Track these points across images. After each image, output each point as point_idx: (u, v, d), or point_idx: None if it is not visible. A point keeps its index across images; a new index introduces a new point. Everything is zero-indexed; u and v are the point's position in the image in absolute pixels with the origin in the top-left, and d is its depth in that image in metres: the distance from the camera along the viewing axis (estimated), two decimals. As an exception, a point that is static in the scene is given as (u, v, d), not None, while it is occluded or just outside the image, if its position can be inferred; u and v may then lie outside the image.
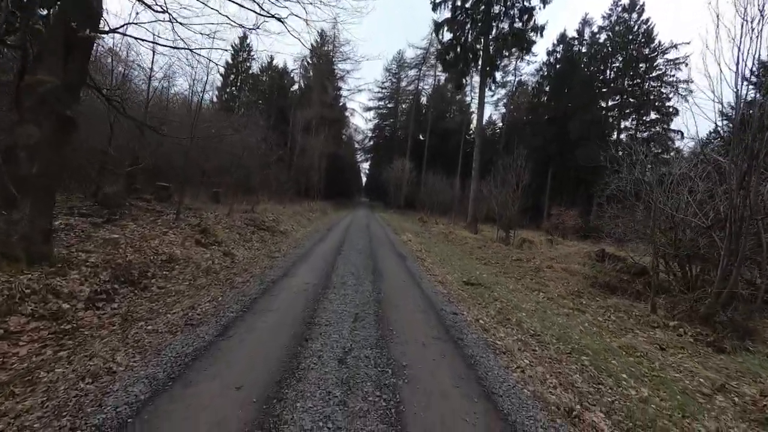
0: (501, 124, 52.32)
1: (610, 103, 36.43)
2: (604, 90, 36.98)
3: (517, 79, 43.23)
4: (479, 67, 21.38)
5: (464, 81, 21.84)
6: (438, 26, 20.73)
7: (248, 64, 44.21)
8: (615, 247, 12.83)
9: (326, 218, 22.54)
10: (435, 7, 20.68)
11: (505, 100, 48.82)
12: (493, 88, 26.16)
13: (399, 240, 13.51)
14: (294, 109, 37.03)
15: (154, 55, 12.68)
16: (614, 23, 35.85)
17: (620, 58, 35.97)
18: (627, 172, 10.22)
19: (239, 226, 11.79)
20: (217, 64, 11.48)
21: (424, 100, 49.13)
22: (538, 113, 42.22)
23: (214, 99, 42.18)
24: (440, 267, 8.97)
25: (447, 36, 21.02)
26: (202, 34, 6.56)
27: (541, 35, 19.59)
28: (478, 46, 20.61)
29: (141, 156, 13.88)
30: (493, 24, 20.08)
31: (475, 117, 50.57)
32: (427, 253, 11.17)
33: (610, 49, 36.18)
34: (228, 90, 44.33)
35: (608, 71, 37.22)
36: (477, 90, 47.00)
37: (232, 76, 44.22)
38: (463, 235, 17.32)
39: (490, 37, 20.03)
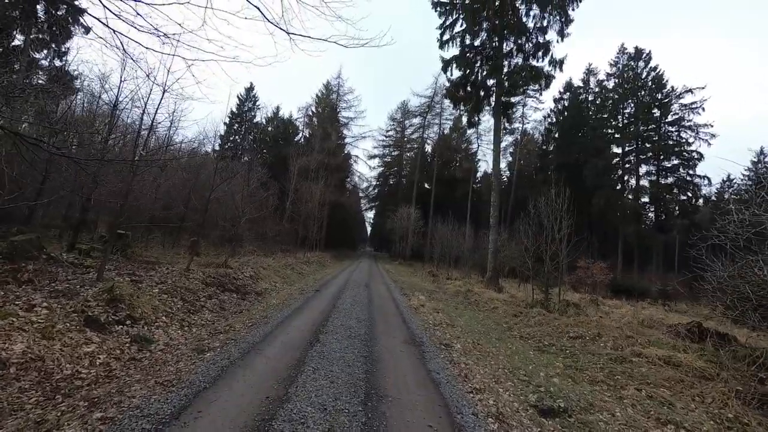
0: (508, 172, 50.41)
1: (627, 148, 34.14)
2: (617, 136, 34.94)
3: (523, 127, 41.73)
4: (492, 104, 19.13)
5: (475, 119, 19.39)
6: (446, 63, 18.81)
7: (253, 114, 43.48)
8: (715, 321, 9.23)
9: (322, 272, 19.09)
10: (442, 45, 18.92)
11: (512, 149, 47.20)
12: (507, 126, 23.88)
13: (409, 305, 10.00)
14: (296, 156, 35.18)
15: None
16: (622, 70, 34.70)
17: (632, 104, 34.33)
18: (737, 213, 6.90)
19: (191, 289, 8.44)
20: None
21: (428, 148, 47.66)
22: (547, 160, 40.14)
23: (216, 147, 40.88)
24: (479, 362, 5.45)
25: (456, 73, 19.00)
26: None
27: (561, 69, 17.49)
28: (490, 82, 18.49)
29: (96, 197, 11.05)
30: (506, 61, 18.12)
31: (483, 164, 48.73)
32: (450, 329, 7.64)
33: (619, 95, 34.69)
34: (231, 138, 43.19)
35: (620, 117, 35.44)
36: (483, 137, 45.60)
37: (236, 125, 43.31)
38: (487, 296, 13.72)
39: (504, 72, 17.94)
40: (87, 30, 20.46)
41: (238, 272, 12.13)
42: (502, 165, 57.31)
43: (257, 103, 43.69)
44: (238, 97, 43.18)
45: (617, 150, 34.81)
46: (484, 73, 18.37)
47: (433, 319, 8.33)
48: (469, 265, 25.86)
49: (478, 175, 49.10)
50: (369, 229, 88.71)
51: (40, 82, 18.78)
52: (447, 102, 43.42)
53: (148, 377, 3.88)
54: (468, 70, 18.70)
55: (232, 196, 16.90)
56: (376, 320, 7.42)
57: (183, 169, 16.67)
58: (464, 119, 21.42)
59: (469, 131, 46.04)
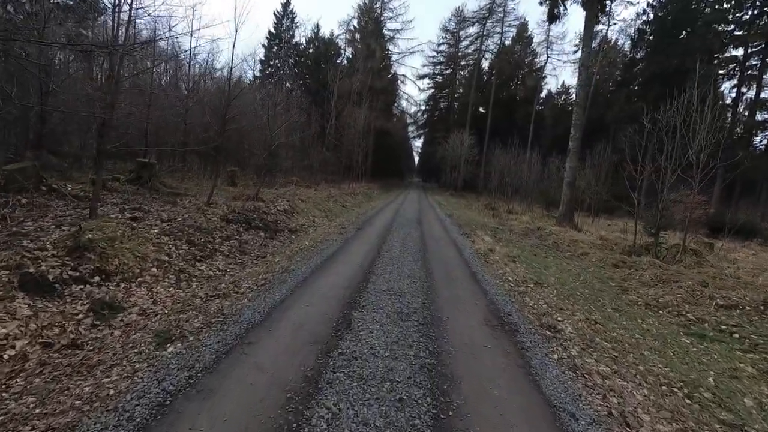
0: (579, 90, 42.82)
1: (750, 50, 26.29)
2: (739, 33, 26.78)
3: (606, 31, 33.80)
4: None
5: (559, 9, 14.70)
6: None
7: (291, 33, 39.46)
8: None
9: (367, 205, 17.18)
10: None
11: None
12: (601, 19, 17.97)
13: (474, 251, 7.70)
14: (337, 79, 31.64)
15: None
16: (763, -63, 25.20)
17: (768, -13, 25.45)
18: None
19: (204, 228, 6.78)
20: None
21: (485, 65, 41.15)
22: (634, 72, 32.77)
23: (257, 74, 38.34)
24: (619, 370, 3.15)
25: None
26: None
27: None
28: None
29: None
30: None
31: (551, 81, 41.61)
32: (541, 290, 5.30)
33: (753, -26, 25.68)
34: (271, 63, 40.16)
35: (747, 7, 26.79)
36: (555, 46, 37.52)
37: (275, 48, 39.85)
38: (566, 236, 10.98)
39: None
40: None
41: (271, 206, 10.44)
42: (572, 80, 48.99)
43: (295, 20, 39.50)
44: (274, 14, 39.18)
45: (736, 53, 26.98)
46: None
47: (513, 274, 6.00)
48: (532, 197, 22.55)
49: (542, 95, 42.32)
50: (417, 158, 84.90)
51: None
52: (512, 3, 35.97)
53: (48, 401, 2.06)
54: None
55: (267, 121, 14.84)
56: (436, 278, 5.24)
57: (219, 96, 14.67)
58: (543, 11, 16.39)
59: (536, 42, 38.62)
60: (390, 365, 2.63)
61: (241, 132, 17.32)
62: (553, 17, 14.95)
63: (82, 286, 3.96)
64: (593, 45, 35.70)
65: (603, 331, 4.06)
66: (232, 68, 9.21)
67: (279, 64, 40.11)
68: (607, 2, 14.93)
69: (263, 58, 39.05)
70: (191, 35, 13.96)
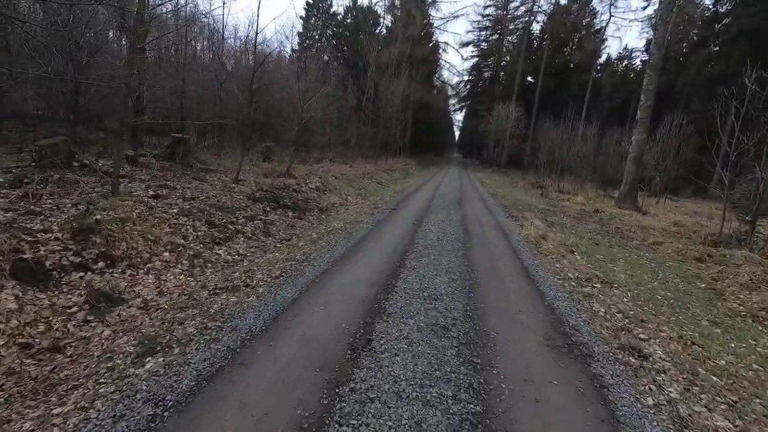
0: (645, 55, 37.80)
1: None
2: None
3: (687, -20, 29.01)
4: None
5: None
6: None
7: (329, 2, 37.99)
8: None
9: (403, 182, 16.29)
10: None
11: (654, 20, 34.31)
12: None
13: (524, 237, 6.67)
14: (375, 50, 30.10)
15: None
16: None
17: None
18: None
19: (227, 207, 6.35)
20: None
21: (537, 28, 37.37)
22: (717, 29, 28.17)
23: (295, 47, 37.66)
24: (737, 411, 2.21)
25: None
26: None
27: None
28: None
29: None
30: None
31: (612, 45, 37.22)
32: (610, 291, 4.29)
33: None
34: (309, 35, 39.19)
35: None
36: (619, 2, 33.03)
37: (313, 18, 38.71)
38: (632, 221, 9.52)
39: None
40: None
41: (302, 183, 9.93)
42: (639, 43, 43.38)
43: (333, -12, 37.83)
44: (311, -19, 37.73)
45: None
46: None
47: (573, 269, 4.99)
48: (585, 174, 20.41)
49: (600, 61, 37.91)
50: (457, 133, 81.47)
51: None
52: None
53: None
54: None
55: (303, 95, 14.19)
56: (480, 274, 4.39)
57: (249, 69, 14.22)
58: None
59: (596, 1, 34.17)
60: (418, 415, 1.89)
61: (275, 106, 16.90)
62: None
63: (82, 274, 3.58)
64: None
65: (705, 357, 3.05)
66: (257, 33, 8.46)
67: (317, 36, 39.09)
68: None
69: (301, 30, 38.22)
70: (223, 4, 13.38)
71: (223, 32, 15.37)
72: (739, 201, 7.90)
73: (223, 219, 5.89)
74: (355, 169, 16.54)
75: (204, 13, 16.59)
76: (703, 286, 5.20)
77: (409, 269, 4.23)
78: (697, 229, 8.75)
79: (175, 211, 5.51)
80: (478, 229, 6.87)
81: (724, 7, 27.93)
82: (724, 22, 27.44)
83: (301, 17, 37.93)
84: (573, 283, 4.48)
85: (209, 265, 4.57)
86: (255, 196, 7.48)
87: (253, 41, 15.42)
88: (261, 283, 3.78)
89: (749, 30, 24.24)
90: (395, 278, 3.93)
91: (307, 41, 38.82)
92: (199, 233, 5.20)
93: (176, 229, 5.04)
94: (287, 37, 27.80)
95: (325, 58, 36.83)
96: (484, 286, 3.98)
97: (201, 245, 4.95)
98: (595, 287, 4.45)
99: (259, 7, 9.90)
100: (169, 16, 12.02)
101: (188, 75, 12.59)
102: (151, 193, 6.22)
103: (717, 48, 28.16)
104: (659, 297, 4.44)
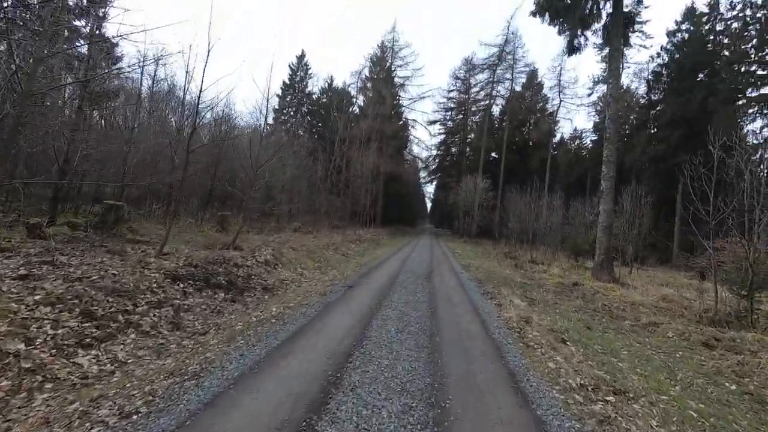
0: (594, 135, 41.54)
1: (781, 89, 24.63)
2: (763, 72, 25.36)
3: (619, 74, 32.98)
4: (603, 18, 13.06)
5: (579, 41, 13.48)
6: (537, -35, 12.99)
7: (305, 83, 40.28)
8: None
9: (371, 253, 15.16)
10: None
11: (599, 105, 38.35)
12: (627, 57, 16.05)
13: (504, 321, 5.48)
14: (349, 126, 31.19)
15: None
16: (778, -21, 24.58)
17: (790, 27, 24.38)
18: None
19: (127, 291, 4.86)
20: None
21: (496, 111, 40.69)
22: (653, 114, 31.46)
23: (270, 121, 38.67)
24: None
25: (550, -21, 13.12)
26: None
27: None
28: (605, -15, 12.39)
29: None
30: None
31: (564, 126, 40.67)
32: (625, 404, 3.06)
33: (771, 16, 24.73)
34: (285, 111, 40.68)
35: (765, 46, 25.59)
36: (567, 90, 36.67)
37: (289, 97, 40.57)
38: (616, 296, 8.62)
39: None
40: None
41: (249, 256, 8.56)
42: (587, 125, 47.81)
43: (309, 72, 40.46)
44: (289, 66, 40.31)
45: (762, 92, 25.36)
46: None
47: (572, 370, 3.76)
48: (555, 244, 20.15)
49: (556, 140, 41.16)
50: (429, 204, 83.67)
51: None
52: (521, 51, 36.06)
53: None
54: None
55: (255, 161, 13.47)
56: (452, 390, 3.08)
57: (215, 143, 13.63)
58: (562, 43, 15.13)
59: (547, 87, 38.22)
60: None
61: (238, 175, 16.08)
62: (572, 49, 13.69)
63: None
64: (603, 88, 35.05)
65: None
66: (201, 92, 7.80)
67: (292, 112, 40.61)
68: (633, 29, 13.50)
69: (276, 107, 39.64)
70: (187, 74, 13.16)
71: (184, 98, 14.96)
72: (729, 274, 7.21)
73: (112, 307, 4.38)
74: (320, 239, 15.36)
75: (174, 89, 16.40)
76: (734, 388, 4.06)
77: (347, 390, 2.86)
78: (687, 304, 7.91)
79: (37, 297, 4.00)
80: (450, 313, 5.63)
81: (657, 95, 31.49)
82: (658, 108, 30.74)
83: (277, 95, 39.62)
84: (578, 397, 3.22)
85: (48, 386, 3.01)
86: (177, 274, 6.03)
87: (218, 111, 14.99)
88: (105, 420, 2.29)
89: (681, 115, 27.04)
90: (321, 411, 2.55)
91: (282, 117, 40.15)
92: (60, 331, 3.67)
93: (24, 326, 3.51)
94: (261, 112, 28.24)
95: (300, 132, 37.89)
96: (459, 413, 2.66)
97: (54, 350, 3.40)
98: (608, 402, 3.20)
99: (205, 68, 9.41)
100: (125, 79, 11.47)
101: (146, 141, 11.66)
102: (22, 272, 4.71)
103: (655, 131, 31.08)
104: (693, 413, 3.23)
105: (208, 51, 6.83)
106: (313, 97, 40.94)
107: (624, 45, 13.59)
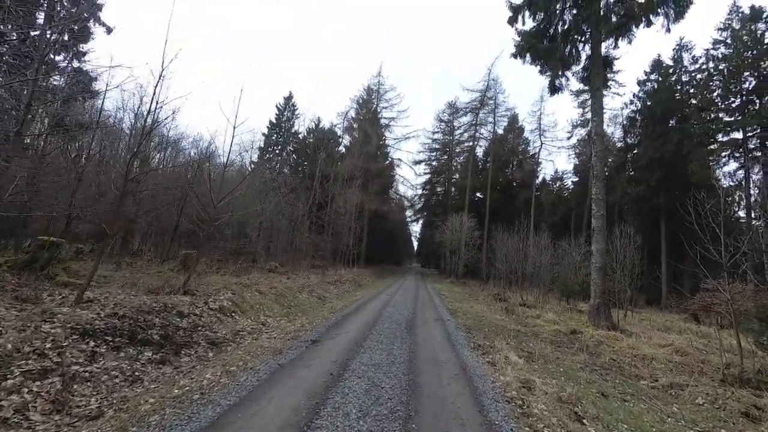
0: (575, 177, 42.35)
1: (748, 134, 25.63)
2: (734, 118, 26.50)
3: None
4: (582, 60, 13.21)
5: (560, 81, 13.49)
6: (516, 10, 13.26)
7: (291, 123, 40.45)
8: None
9: (350, 296, 13.85)
10: (509, -4, 13.41)
11: (579, 148, 39.43)
12: (606, 93, 16.13)
13: (496, 384, 4.37)
14: (334, 165, 30.77)
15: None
16: (735, 36, 26.47)
17: (751, 79, 25.92)
18: None
19: (4, 356, 3.59)
20: None
21: (480, 152, 41.33)
22: (629, 158, 32.25)
23: (254, 159, 38.12)
24: None
25: (530, 23, 13.38)
26: None
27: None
28: (581, 27, 12.61)
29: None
30: (604, -3, 12.15)
31: (546, 168, 41.27)
32: None
33: (734, 67, 26.33)
34: (271, 149, 40.40)
35: (729, 96, 27.00)
36: (547, 133, 37.67)
37: (275, 136, 40.49)
38: (620, 346, 7.56)
39: (601, 5, 12.01)
40: (109, 30, 17.97)
41: (201, 302, 7.27)
42: (568, 167, 48.86)
43: (296, 112, 40.79)
44: (277, 107, 40.66)
45: (737, 135, 26.37)
46: (573, 11, 12.57)
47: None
48: (545, 285, 19.20)
49: (539, 180, 41.71)
50: (416, 243, 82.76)
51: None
52: (501, 97, 37.32)
53: None
54: (546, 15, 12.98)
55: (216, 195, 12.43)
56: None
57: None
58: (544, 83, 15.15)
59: (528, 129, 39.28)
60: None
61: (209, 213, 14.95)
62: (554, 89, 13.65)
63: None
64: (582, 132, 36.11)
65: None
66: (152, 111, 6.95)
67: (278, 150, 40.35)
68: (612, 70, 13.53)
69: (262, 146, 39.33)
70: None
71: (143, 131, 14.11)
72: (749, 323, 6.30)
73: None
74: (296, 280, 14.03)
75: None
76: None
77: None
78: (704, 357, 6.88)
79: None
80: (433, 381, 4.45)
81: (634, 139, 32.44)
82: (635, 151, 31.55)
83: (263, 134, 39.47)
84: None
85: None
86: (91, 328, 4.75)
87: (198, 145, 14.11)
88: None
89: (658, 158, 27.64)
90: None
91: (267, 155, 39.79)
92: None
93: None
94: (247, 150, 27.57)
95: (285, 170, 37.40)
96: None
97: None
98: None
99: (155, 89, 8.65)
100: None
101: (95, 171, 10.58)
102: None
103: (633, 173, 31.65)
104: None
105: (161, 73, 6.05)
106: (299, 136, 40.99)
107: (603, 86, 13.60)
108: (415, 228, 66.93)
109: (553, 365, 5.93)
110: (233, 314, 7.58)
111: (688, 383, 5.42)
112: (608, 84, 16.35)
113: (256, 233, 17.26)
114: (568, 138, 36.15)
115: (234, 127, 7.86)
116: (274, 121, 40.38)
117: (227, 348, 5.85)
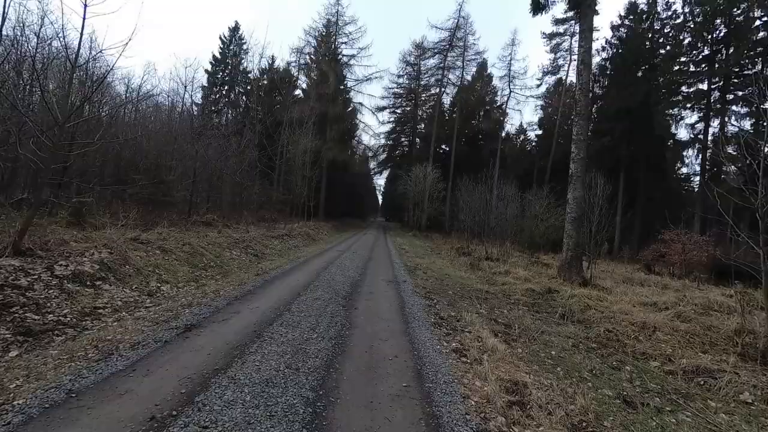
0: (538, 130, 41.18)
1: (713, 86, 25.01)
2: (701, 69, 25.69)
3: (569, 66, 32.49)
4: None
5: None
6: None
7: (239, 59, 34.95)
8: None
9: (296, 252, 11.74)
10: None
11: (544, 99, 37.84)
12: (573, 52, 13.27)
13: (472, 402, 2.58)
14: (288, 109, 26.95)
15: None
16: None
17: (722, 27, 24.80)
18: None
19: None
20: None
21: (447, 101, 38.69)
22: (600, 106, 31.14)
23: (198, 101, 32.95)
24: None
25: None
26: None
27: None
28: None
29: None
30: None
31: (513, 118, 39.68)
32: None
33: (705, 16, 24.93)
34: (216, 89, 35.10)
35: (703, 45, 25.94)
36: (516, 81, 35.61)
37: (220, 74, 35.02)
38: (611, 310, 6.18)
39: None
40: None
41: (40, 267, 4.84)
42: (533, 117, 47.40)
43: (244, 47, 35.16)
44: (220, 38, 34.84)
45: (702, 87, 25.71)
46: None
47: None
48: (510, 237, 18.16)
49: (504, 132, 40.22)
50: (380, 198, 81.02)
51: None
52: (472, 38, 34.14)
53: None
54: None
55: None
56: None
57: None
58: (503, 46, 12.63)
59: (497, 77, 36.82)
60: None
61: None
62: (538, 7, 11.27)
63: None
64: (561, 75, 34.37)
65: None
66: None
67: (224, 91, 35.19)
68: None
69: (206, 84, 33.99)
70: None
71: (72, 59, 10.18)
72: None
73: None
74: (230, 235, 11.63)
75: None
76: None
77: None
78: (708, 323, 5.62)
79: None
80: (360, 415, 2.54)
81: (602, 90, 31.17)
82: (600, 103, 30.43)
83: (206, 70, 33.96)
84: None
85: None
86: None
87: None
88: None
89: (625, 108, 26.62)
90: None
91: (213, 95, 34.67)
92: None
93: None
94: (185, 87, 22.87)
95: (231, 114, 32.96)
96: None
97: None
98: None
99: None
100: None
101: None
102: None
103: (600, 124, 30.79)
104: None
105: None
106: (250, 75, 35.75)
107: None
108: (380, 182, 64.85)
109: (539, 345, 4.30)
110: (99, 283, 5.23)
111: (714, 365, 3.99)
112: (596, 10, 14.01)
113: (188, 180, 14.31)
114: (538, 86, 34.36)
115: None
116: (218, 56, 34.74)
117: (51, 341, 3.61)
